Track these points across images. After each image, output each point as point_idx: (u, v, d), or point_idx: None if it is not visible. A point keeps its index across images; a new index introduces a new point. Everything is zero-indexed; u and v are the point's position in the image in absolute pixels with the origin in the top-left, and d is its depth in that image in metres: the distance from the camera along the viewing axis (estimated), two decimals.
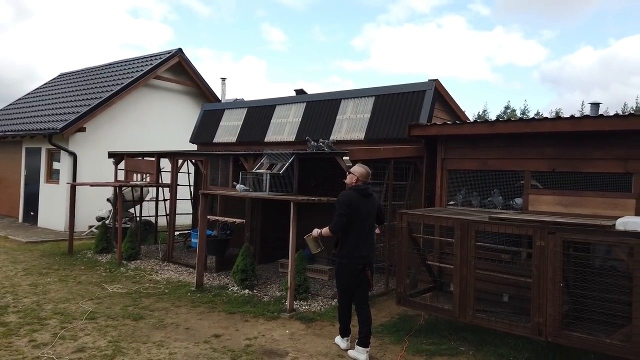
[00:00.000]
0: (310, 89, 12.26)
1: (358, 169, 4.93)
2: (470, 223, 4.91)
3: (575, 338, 4.35)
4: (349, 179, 4.97)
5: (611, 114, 5.22)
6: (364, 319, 4.76)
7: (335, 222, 4.72)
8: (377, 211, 4.99)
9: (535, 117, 5.95)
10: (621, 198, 5.23)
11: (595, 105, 6.92)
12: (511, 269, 5.50)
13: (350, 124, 9.70)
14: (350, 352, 4.81)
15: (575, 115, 5.46)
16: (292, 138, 10.48)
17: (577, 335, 4.36)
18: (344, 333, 5.03)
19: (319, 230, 4.94)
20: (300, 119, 10.62)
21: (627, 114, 5.12)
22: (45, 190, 13.63)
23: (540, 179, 5.92)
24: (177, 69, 15.22)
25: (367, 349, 4.71)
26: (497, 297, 5.74)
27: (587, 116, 5.39)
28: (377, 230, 5.36)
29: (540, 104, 59.88)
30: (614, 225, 4.34)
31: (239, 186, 7.75)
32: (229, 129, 12.05)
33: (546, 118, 5.66)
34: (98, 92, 14.03)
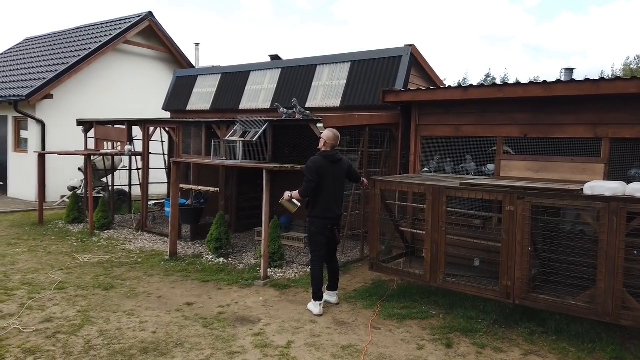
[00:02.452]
0: (291, 56, 11.93)
1: (326, 133, 5.19)
2: (442, 189, 4.91)
3: (542, 300, 4.45)
4: (320, 144, 5.22)
5: (582, 79, 5.18)
6: (332, 269, 5.38)
7: (304, 187, 5.04)
8: (348, 173, 5.33)
9: (508, 83, 5.89)
10: (590, 163, 5.27)
11: (569, 71, 6.90)
12: (482, 234, 5.56)
13: (326, 91, 9.53)
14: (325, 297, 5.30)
15: (548, 81, 5.43)
16: (267, 105, 10.27)
17: (544, 297, 4.45)
18: (317, 296, 5.07)
19: (289, 193, 5.18)
20: (275, 86, 10.40)
21: (598, 78, 5.07)
22: (14, 159, 13.24)
23: (512, 145, 5.93)
24: (148, 33, 14.68)
25: (336, 292, 5.41)
26: (469, 262, 5.81)
27: (559, 81, 5.35)
28: (365, 182, 5.80)
29: (521, 71, 59.90)
30: (582, 189, 4.37)
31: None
32: (202, 96, 11.76)
33: (518, 83, 5.60)
34: (65, 57, 13.48)
